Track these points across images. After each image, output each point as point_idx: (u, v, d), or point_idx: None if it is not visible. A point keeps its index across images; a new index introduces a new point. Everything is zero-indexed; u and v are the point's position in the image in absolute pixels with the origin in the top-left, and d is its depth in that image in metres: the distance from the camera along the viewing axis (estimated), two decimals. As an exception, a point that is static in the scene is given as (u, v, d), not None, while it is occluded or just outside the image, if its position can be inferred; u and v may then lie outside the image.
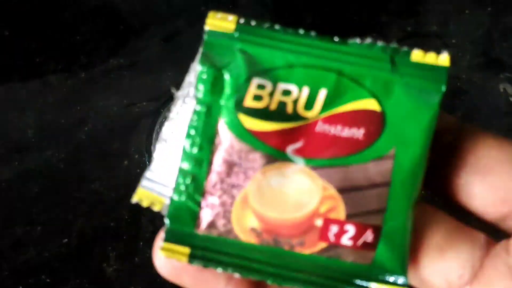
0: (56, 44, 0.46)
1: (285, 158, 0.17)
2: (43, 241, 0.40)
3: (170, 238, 0.17)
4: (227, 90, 0.17)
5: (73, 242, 0.40)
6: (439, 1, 0.49)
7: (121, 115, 0.44)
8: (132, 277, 0.39)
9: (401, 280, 0.17)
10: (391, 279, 0.17)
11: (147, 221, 0.41)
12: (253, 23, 0.18)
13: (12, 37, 0.46)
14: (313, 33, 0.18)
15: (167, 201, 0.18)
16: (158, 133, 0.30)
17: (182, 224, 0.17)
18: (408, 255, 0.17)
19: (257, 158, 0.17)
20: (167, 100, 0.30)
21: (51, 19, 0.47)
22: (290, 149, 0.17)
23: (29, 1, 0.48)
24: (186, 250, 0.17)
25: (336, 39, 0.17)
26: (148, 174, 0.18)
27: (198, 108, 0.17)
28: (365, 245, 0.17)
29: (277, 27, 0.18)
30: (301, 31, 0.18)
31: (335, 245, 0.17)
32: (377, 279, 0.17)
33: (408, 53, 0.17)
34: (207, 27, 0.18)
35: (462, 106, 0.46)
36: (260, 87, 0.17)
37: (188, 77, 0.19)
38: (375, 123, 0.17)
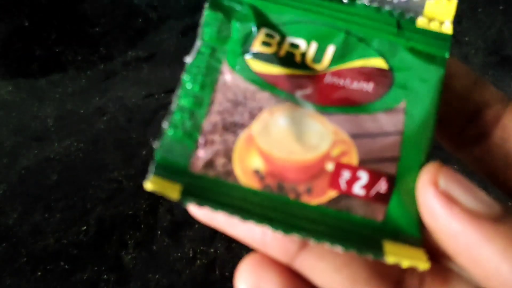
0: (75, 35, 0.47)
1: (294, 101, 0.17)
2: (62, 229, 0.40)
3: (160, 172, 0.15)
4: (235, 35, 0.17)
5: (92, 230, 0.40)
6: (452, -1, 0.50)
7: (139, 106, 0.44)
8: (149, 265, 0.39)
9: (415, 239, 0.15)
10: (405, 237, 0.15)
11: (165, 210, 0.41)
12: None
13: (31, 28, 0.47)
14: None
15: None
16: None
17: (175, 160, 0.16)
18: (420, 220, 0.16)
19: (264, 98, 0.17)
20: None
21: (71, 10, 0.48)
22: (299, 94, 0.17)
23: (49, -7, 0.48)
24: (177, 186, 0.15)
25: (345, 0, 0.18)
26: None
27: (202, 49, 0.17)
28: (378, 196, 0.16)
29: None
30: None
31: (346, 195, 0.16)
32: (389, 237, 0.16)
33: (413, 19, 0.18)
34: None
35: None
36: (269, 36, 0.17)
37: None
38: (384, 78, 0.17)
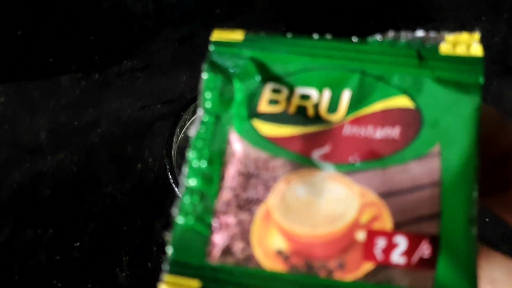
0: (69, 45, 0.46)
1: (311, 164, 0.15)
2: (55, 245, 0.39)
3: (175, 270, 0.14)
4: (238, 97, 0.16)
5: (85, 246, 0.39)
6: (456, 8, 0.49)
7: (134, 118, 0.43)
8: (145, 283, 0.38)
9: None
10: None
11: (161, 226, 0.40)
12: (262, 34, 0.17)
13: (25, 37, 0.46)
14: (328, 36, 0.16)
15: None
16: (178, 137, 0.30)
17: (190, 252, 0.15)
18: (477, 269, 0.14)
19: (278, 165, 0.15)
20: (189, 103, 0.29)
21: (65, 19, 0.47)
22: (316, 155, 0.15)
23: (42, 0, 0.47)
24: (195, 283, 0.14)
25: (354, 39, 0.16)
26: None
27: (206, 118, 0.16)
28: (422, 262, 0.14)
29: (289, 35, 0.16)
30: (316, 36, 0.16)
31: (385, 265, 0.14)
32: None
33: (435, 47, 0.16)
34: (212, 39, 0.17)
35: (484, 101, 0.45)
36: (276, 91, 0.16)
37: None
38: (411, 120, 0.15)
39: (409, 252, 0.14)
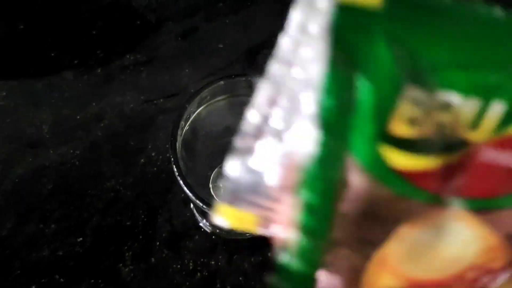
0: (72, 39, 0.45)
1: (439, 203, 0.12)
2: (57, 239, 0.39)
3: None
4: (365, 105, 0.11)
5: (88, 241, 0.39)
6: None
7: (137, 112, 0.43)
8: (148, 278, 0.38)
9: None
10: None
11: (164, 220, 0.40)
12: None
13: (27, 31, 0.46)
14: (499, 12, 0.11)
15: (258, 218, 0.13)
16: (183, 129, 0.29)
17: None
18: None
19: (404, 208, 0.12)
20: (193, 95, 0.29)
21: (67, 12, 0.46)
22: (447, 191, 0.12)
23: (45, -5, 0.47)
24: None
25: None
26: (227, 188, 0.13)
27: (326, 138, 0.11)
28: None
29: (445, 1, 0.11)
30: (483, 8, 0.11)
31: None
32: None
33: None
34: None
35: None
36: (416, 102, 0.11)
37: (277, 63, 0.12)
38: None
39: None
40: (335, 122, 0.11)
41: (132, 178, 0.41)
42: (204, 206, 0.29)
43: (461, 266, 0.13)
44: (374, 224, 0.12)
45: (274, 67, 0.12)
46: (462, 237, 0.12)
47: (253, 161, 0.13)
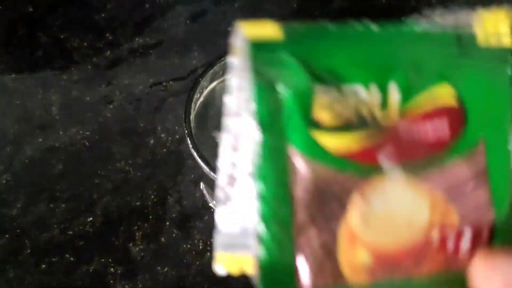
0: (80, 22, 0.46)
1: (379, 172, 0.15)
2: (67, 219, 0.39)
3: None
4: (290, 105, 0.14)
5: (98, 221, 0.39)
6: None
7: (147, 94, 0.43)
8: (158, 258, 0.38)
9: None
10: None
11: (174, 201, 0.40)
12: (298, 25, 0.15)
13: (36, 14, 0.46)
14: (367, 23, 0.15)
15: (255, 255, 0.14)
16: (196, 103, 0.30)
17: (280, 285, 0.14)
18: None
19: (348, 179, 0.14)
20: (206, 69, 0.29)
21: (76, -4, 0.47)
22: (382, 159, 0.15)
23: (54, -22, 0.47)
24: None
25: (393, 24, 0.15)
26: (219, 236, 0.15)
27: (261, 136, 0.14)
28: (483, 244, 0.15)
29: (325, 24, 0.15)
30: (354, 24, 0.15)
31: (455, 256, 0.15)
32: None
33: (473, 36, 0.16)
34: (247, 38, 0.15)
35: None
36: (326, 93, 0.15)
37: (228, 117, 0.15)
38: (457, 111, 0.15)
39: (474, 239, 0.15)
40: (270, 123, 0.14)
41: (142, 159, 0.41)
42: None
43: (420, 227, 0.15)
44: (330, 200, 0.14)
45: (226, 121, 0.15)
46: (411, 199, 0.15)
47: (235, 207, 0.15)
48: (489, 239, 0.15)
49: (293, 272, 0.14)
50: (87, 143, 0.41)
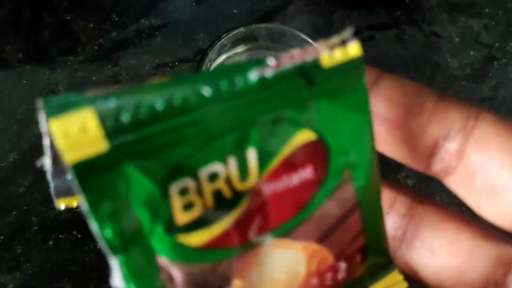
0: (87, 3, 0.46)
1: (252, 247, 0.14)
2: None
3: None
4: (146, 219, 0.13)
5: (105, 199, 0.39)
6: None
7: (152, 75, 0.43)
8: (164, 235, 0.38)
9: (390, 267, 0.17)
10: (383, 273, 0.16)
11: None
12: (118, 112, 0.12)
13: (42, -4, 0.46)
14: (197, 89, 0.13)
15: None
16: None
17: None
18: (388, 244, 0.17)
19: (225, 268, 0.14)
20: (214, 41, 0.29)
21: (83, -22, 0.47)
22: (252, 236, 0.14)
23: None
24: None
25: (226, 83, 0.13)
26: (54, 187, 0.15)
27: (122, 259, 0.12)
28: (357, 265, 0.16)
29: (150, 100, 0.12)
30: (182, 93, 0.12)
31: (333, 284, 0.16)
32: (372, 281, 0.17)
33: (316, 61, 0.14)
34: (69, 162, 0.12)
35: (495, 74, 0.45)
36: (183, 192, 0.13)
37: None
38: (318, 153, 0.14)
39: (348, 267, 0.16)
40: (121, 243, 0.12)
41: (148, 138, 0.41)
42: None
43: (300, 282, 0.15)
44: None
45: None
46: (283, 261, 0.15)
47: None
48: (363, 259, 0.16)
49: None
50: (93, 122, 0.41)
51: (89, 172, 0.12)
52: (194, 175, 0.13)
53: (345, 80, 0.14)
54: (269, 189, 0.14)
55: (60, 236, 0.38)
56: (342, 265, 0.16)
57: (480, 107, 0.16)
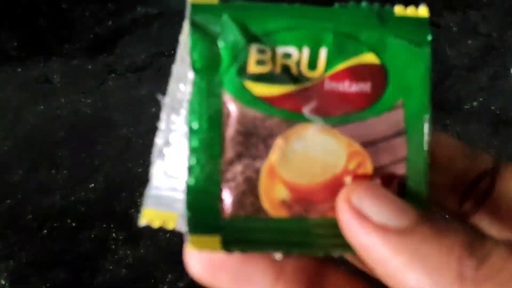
0: (83, -9, 0.46)
1: (303, 120, 0.17)
2: (69, 186, 0.39)
3: (195, 229, 0.16)
4: (226, 58, 0.16)
5: (100, 187, 0.39)
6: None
7: (149, 63, 0.43)
8: (160, 224, 0.38)
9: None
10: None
11: (176, 167, 0.40)
12: None
13: (37, -16, 0.46)
14: (297, 4, 0.17)
15: (180, 214, 0.16)
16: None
17: (205, 211, 0.16)
18: (429, 193, 0.18)
19: (274, 123, 0.16)
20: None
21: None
22: (306, 110, 0.17)
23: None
24: (217, 238, 0.16)
25: (320, 7, 0.17)
26: (150, 192, 0.17)
27: (197, 80, 0.16)
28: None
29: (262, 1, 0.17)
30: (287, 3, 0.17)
31: None
32: None
33: (391, 9, 0.18)
34: (190, 1, 0.16)
35: (493, 62, 0.45)
36: (260, 52, 0.16)
37: (173, 82, 0.17)
38: (379, 75, 0.17)
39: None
40: (205, 68, 0.16)
41: (144, 127, 0.41)
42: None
43: (335, 172, 0.17)
44: (257, 141, 0.16)
45: (171, 86, 0.17)
46: (329, 145, 0.17)
47: (168, 165, 0.17)
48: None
49: (218, 201, 0.16)
50: (89, 111, 0.41)
51: (199, 10, 0.16)
52: (273, 47, 0.16)
53: (412, 32, 0.17)
54: (329, 85, 0.17)
55: (55, 224, 0.38)
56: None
57: None
